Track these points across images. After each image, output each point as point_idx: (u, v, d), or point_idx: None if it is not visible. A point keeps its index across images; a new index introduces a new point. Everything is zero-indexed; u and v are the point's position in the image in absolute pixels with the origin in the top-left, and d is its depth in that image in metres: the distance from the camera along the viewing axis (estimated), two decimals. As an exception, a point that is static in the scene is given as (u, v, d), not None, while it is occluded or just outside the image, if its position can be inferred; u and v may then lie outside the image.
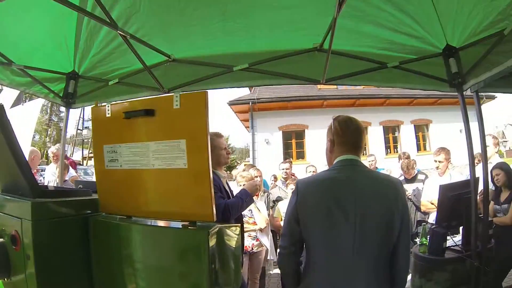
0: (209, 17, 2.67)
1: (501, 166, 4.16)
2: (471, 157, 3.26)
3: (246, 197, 2.86)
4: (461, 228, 3.51)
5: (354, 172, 1.78)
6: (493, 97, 16.14)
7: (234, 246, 1.92)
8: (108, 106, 1.88)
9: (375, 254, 1.68)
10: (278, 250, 1.89)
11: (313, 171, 6.53)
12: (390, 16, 2.73)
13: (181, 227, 1.65)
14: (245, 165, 7.13)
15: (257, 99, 15.89)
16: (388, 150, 17.20)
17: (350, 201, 1.68)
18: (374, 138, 16.92)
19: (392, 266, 1.74)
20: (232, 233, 1.90)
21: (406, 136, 17.27)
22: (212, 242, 1.55)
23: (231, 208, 2.63)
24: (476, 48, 2.96)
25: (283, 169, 6.03)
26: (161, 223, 1.84)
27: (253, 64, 3.16)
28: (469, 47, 3.03)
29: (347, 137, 1.85)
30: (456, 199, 3.28)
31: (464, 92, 3.36)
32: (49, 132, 37.92)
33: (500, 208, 4.00)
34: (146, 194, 1.80)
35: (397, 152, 16.34)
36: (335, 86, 17.19)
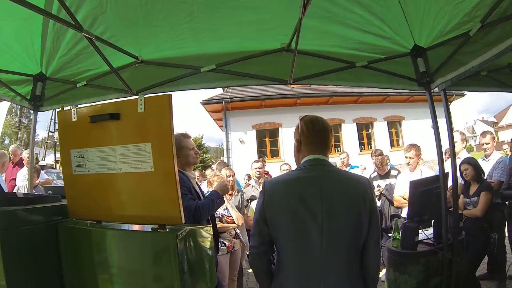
0: (176, 17, 2.62)
1: (469, 161, 4.33)
2: (440, 152, 3.38)
3: (216, 198, 2.84)
4: (432, 222, 3.60)
5: (321, 171, 1.78)
6: (462, 94, 16.65)
7: (207, 247, 1.92)
8: (74, 110, 1.83)
9: (344, 252, 1.69)
10: (249, 250, 1.88)
11: (287, 169, 6.56)
12: (359, 17, 2.75)
13: (150, 231, 1.63)
14: (218, 164, 7.11)
15: (230, 98, 15.75)
16: (362, 146, 17.45)
17: (316, 200, 1.68)
18: (348, 135, 17.19)
19: (362, 262, 1.76)
20: (204, 234, 1.90)
21: (380, 133, 17.56)
22: (182, 244, 1.55)
23: (202, 209, 2.62)
24: (443, 48, 3.07)
25: (256, 168, 6.01)
26: (133, 227, 1.82)
27: (221, 65, 3.13)
28: (437, 47, 3.12)
29: (314, 137, 1.86)
30: (426, 194, 3.37)
31: (432, 90, 3.47)
32: (19, 135, 36.60)
33: (470, 201, 4.16)
34: (115, 199, 1.77)
35: (371, 148, 16.63)
36: (308, 85, 17.34)
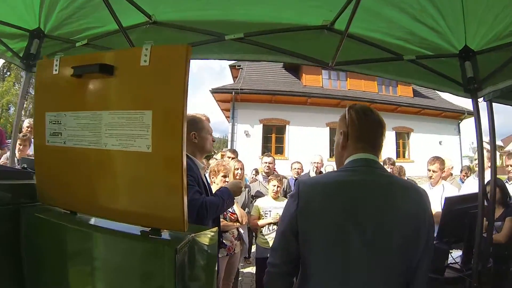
0: None
1: (497, 183, 3.85)
2: (482, 170, 2.90)
3: (227, 198, 2.32)
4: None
5: (373, 175, 1.35)
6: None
7: (208, 259, 1.41)
8: (56, 60, 1.34)
9: (392, 280, 1.27)
10: (266, 268, 1.39)
11: (298, 168, 6.13)
12: (415, 1, 2.31)
13: (139, 234, 1.15)
14: (228, 151, 6.56)
15: (240, 89, 15.29)
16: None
17: (366, 212, 1.26)
18: None
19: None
20: (209, 240, 1.40)
21: (387, 142, 16.94)
22: (181, 258, 1.06)
23: (209, 208, 2.10)
24: (498, 54, 2.63)
25: (266, 162, 5.52)
26: (116, 226, 1.30)
27: (250, 35, 2.57)
28: (490, 52, 2.68)
29: (366, 131, 1.44)
30: (461, 213, 2.89)
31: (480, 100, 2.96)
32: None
33: (494, 226, 3.71)
34: (94, 184, 1.29)
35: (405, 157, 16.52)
36: (321, 85, 16.94)
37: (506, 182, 4.47)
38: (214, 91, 15.67)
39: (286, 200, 4.26)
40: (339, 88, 17.15)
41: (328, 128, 16.31)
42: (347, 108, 1.50)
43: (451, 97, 13.45)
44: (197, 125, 2.34)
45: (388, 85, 17.73)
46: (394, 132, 17.17)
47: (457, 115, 17.65)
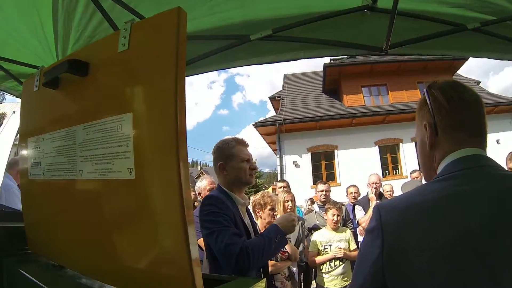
0: None
1: None
2: None
3: (276, 236, 1.78)
4: None
5: (492, 180, 0.82)
6: None
7: None
8: (37, 75, 1.08)
9: None
10: None
11: (355, 192, 5.51)
12: None
13: None
14: (278, 182, 6.00)
15: (283, 120, 14.75)
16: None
17: (495, 239, 0.72)
18: (408, 155, 15.38)
19: None
20: None
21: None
22: None
23: (252, 253, 1.60)
24: None
25: (322, 191, 4.90)
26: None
27: (279, 30, 2.11)
28: None
29: (463, 114, 0.92)
30: None
31: None
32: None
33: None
34: (75, 230, 0.93)
35: None
36: (363, 103, 16.28)
37: None
38: (258, 125, 15.29)
39: (347, 230, 3.49)
40: (382, 103, 16.29)
41: (377, 147, 15.30)
42: (425, 89, 0.99)
43: (500, 90, 11.87)
44: (224, 153, 1.93)
45: (431, 92, 16.65)
46: (413, 143, 15.62)
47: (510, 107, 15.39)
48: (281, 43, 2.14)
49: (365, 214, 4.41)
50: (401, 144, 15.67)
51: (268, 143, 18.08)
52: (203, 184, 3.64)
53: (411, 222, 0.80)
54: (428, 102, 0.95)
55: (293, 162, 15.24)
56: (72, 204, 0.90)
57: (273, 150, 18.80)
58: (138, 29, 0.77)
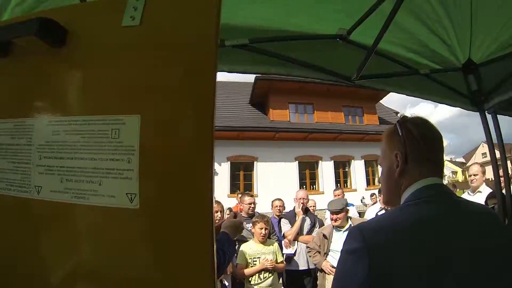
0: None
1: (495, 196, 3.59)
2: (498, 181, 2.90)
3: (228, 246, 1.66)
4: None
5: (453, 205, 0.99)
6: None
7: None
8: None
9: None
10: None
11: (280, 206, 5.56)
12: (432, 10, 2.06)
13: None
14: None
15: None
16: (338, 184, 16.73)
17: (468, 261, 0.87)
18: (325, 172, 16.47)
19: None
20: None
21: (356, 171, 17.01)
22: None
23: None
24: (501, 64, 2.52)
25: (250, 203, 4.92)
26: None
27: (257, 41, 2.04)
28: (492, 63, 2.57)
29: (431, 148, 1.09)
30: None
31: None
32: None
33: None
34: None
35: (347, 187, 16.18)
36: (288, 119, 16.85)
37: (468, 193, 4.31)
38: None
39: (275, 243, 3.48)
40: (306, 121, 17.13)
41: (296, 162, 15.99)
42: (398, 123, 1.12)
43: None
44: None
45: (354, 115, 17.84)
46: (363, 160, 17.20)
47: None
48: (255, 54, 2.02)
49: (292, 227, 4.54)
50: (320, 161, 16.56)
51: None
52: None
53: (397, 244, 0.88)
54: (401, 134, 1.08)
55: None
56: (18, 236, 0.61)
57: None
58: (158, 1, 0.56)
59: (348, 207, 4.42)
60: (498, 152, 2.92)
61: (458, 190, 13.87)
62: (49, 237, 0.59)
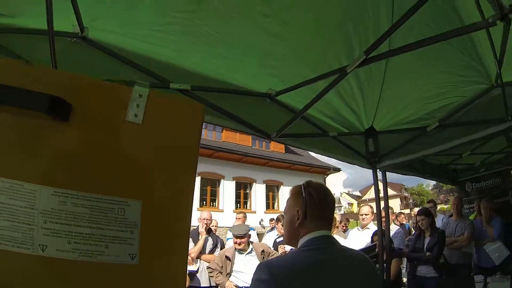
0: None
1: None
2: (380, 226, 3.70)
3: None
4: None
5: (340, 252, 1.47)
6: (338, 170, 19.47)
7: None
8: None
9: None
10: None
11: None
12: (349, 88, 2.55)
13: None
14: None
15: None
16: (238, 205, 17.45)
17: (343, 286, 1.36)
18: (227, 192, 17.14)
19: None
20: None
21: (257, 194, 17.94)
22: None
23: None
24: (395, 135, 3.30)
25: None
26: None
27: (198, 89, 2.15)
28: (389, 133, 3.22)
29: (325, 210, 1.50)
30: None
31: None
32: None
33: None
34: None
35: (247, 208, 17.05)
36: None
37: (358, 229, 5.00)
38: None
39: None
40: (214, 138, 17.40)
41: (199, 178, 16.00)
42: (303, 186, 1.50)
43: (318, 155, 15.31)
44: None
45: (261, 140, 18.65)
46: (264, 185, 18.12)
47: (324, 170, 20.09)
48: (193, 100, 2.14)
49: (195, 245, 4.74)
50: (222, 180, 16.99)
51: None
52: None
53: (295, 277, 1.26)
54: (304, 196, 1.44)
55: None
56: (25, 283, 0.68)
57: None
58: (156, 104, 0.73)
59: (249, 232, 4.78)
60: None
61: (352, 220, 15.69)
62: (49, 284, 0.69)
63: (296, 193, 1.51)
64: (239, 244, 4.09)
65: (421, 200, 42.76)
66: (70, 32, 1.83)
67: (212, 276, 4.26)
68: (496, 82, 2.45)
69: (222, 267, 4.07)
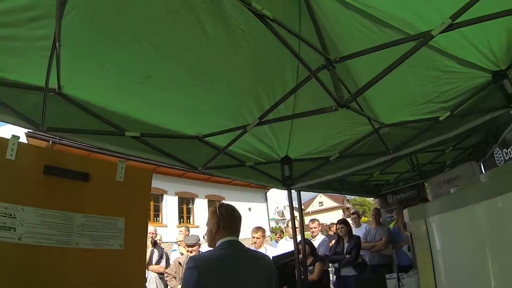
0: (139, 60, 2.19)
1: (306, 242, 5.39)
2: (295, 235, 4.71)
3: None
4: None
5: (240, 250, 2.21)
6: None
7: None
8: (13, 145, 1.45)
9: None
10: None
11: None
12: (264, 132, 3.45)
13: None
14: None
15: (59, 139, 12.66)
16: (182, 220, 18.00)
17: (244, 274, 2.08)
18: (169, 207, 17.64)
19: None
20: None
21: (200, 209, 18.59)
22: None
23: None
24: (306, 163, 4.27)
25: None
26: None
27: (145, 135, 2.73)
28: (301, 161, 4.18)
29: (233, 222, 2.26)
30: (283, 266, 4.11)
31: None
32: None
33: (309, 270, 5.10)
34: (54, 283, 1.42)
35: (190, 222, 17.93)
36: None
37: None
38: (31, 135, 11.97)
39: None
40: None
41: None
42: (217, 207, 2.27)
43: None
44: None
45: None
46: (206, 200, 18.88)
47: (264, 186, 20.89)
48: (145, 146, 2.76)
49: None
50: (165, 195, 17.48)
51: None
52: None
53: (211, 265, 1.99)
54: (218, 213, 2.20)
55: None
56: (57, 263, 1.46)
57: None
58: (130, 171, 1.56)
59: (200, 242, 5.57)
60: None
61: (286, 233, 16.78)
62: (79, 265, 1.48)
63: (213, 211, 2.27)
64: (191, 252, 4.91)
65: (363, 210, 44.95)
66: (49, 88, 2.09)
67: (167, 280, 5.08)
68: (382, 124, 3.35)
69: (176, 272, 4.89)
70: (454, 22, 1.65)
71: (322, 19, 2.17)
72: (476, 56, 2.35)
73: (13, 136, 1.51)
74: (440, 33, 1.68)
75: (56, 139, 12.50)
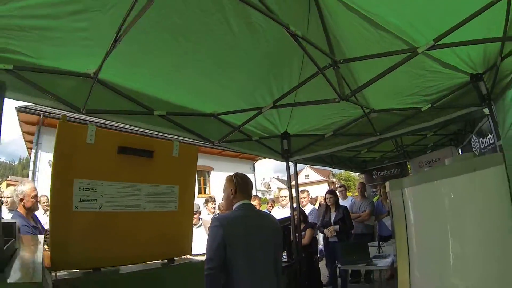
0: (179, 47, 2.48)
1: (300, 210, 5.83)
2: (292, 202, 5.25)
3: None
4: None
5: (254, 211, 2.59)
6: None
7: None
8: (92, 130, 1.79)
9: (271, 261, 2.49)
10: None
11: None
12: (269, 110, 3.73)
13: (160, 266, 2.00)
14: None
15: (50, 113, 11.97)
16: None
17: (258, 230, 2.45)
18: None
19: (275, 267, 2.54)
20: None
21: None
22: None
23: None
24: (303, 138, 4.88)
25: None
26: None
27: (171, 114, 3.17)
28: (298, 136, 4.74)
29: (246, 188, 2.59)
30: (283, 228, 4.45)
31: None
32: None
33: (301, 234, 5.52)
34: (127, 239, 1.91)
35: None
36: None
37: (279, 208, 6.72)
38: (21, 110, 12.22)
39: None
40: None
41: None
42: (234, 175, 2.59)
43: None
44: None
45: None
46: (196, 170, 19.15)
47: (253, 156, 21.14)
48: (167, 122, 3.19)
49: None
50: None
51: (23, 131, 14.81)
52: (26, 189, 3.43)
53: (232, 222, 2.38)
54: (234, 181, 2.55)
55: (49, 161, 13.47)
56: (128, 224, 1.95)
57: (25, 141, 15.55)
58: (182, 148, 2.06)
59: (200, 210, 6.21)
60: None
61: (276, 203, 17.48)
62: (145, 225, 2.01)
63: (230, 179, 2.58)
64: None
65: (348, 185, 46.16)
66: (83, 73, 2.39)
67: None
68: (372, 109, 3.87)
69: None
70: (436, 43, 2.21)
71: (329, 20, 2.57)
72: (456, 61, 2.85)
73: (91, 124, 1.84)
74: (424, 51, 2.25)
75: (48, 113, 12.56)
